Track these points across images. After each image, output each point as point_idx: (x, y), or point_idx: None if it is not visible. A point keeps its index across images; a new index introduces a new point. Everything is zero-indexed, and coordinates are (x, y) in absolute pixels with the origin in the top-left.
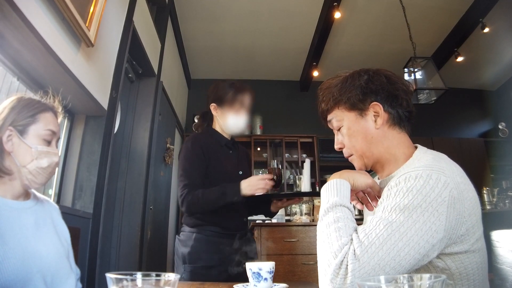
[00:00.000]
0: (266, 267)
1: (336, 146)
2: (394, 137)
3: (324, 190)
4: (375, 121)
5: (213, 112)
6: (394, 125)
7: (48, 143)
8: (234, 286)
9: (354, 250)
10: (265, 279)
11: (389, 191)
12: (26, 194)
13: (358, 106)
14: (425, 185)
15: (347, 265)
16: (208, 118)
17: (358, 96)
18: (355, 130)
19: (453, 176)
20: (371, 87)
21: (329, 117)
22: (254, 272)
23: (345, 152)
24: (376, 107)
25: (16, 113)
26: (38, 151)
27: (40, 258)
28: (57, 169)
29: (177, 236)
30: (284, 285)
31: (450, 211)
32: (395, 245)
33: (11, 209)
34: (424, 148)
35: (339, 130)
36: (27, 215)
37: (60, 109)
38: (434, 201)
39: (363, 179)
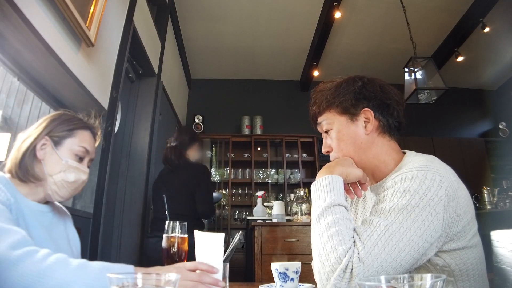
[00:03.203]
0: (293, 267)
1: (324, 150)
2: (384, 144)
3: (317, 187)
4: (365, 127)
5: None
6: (384, 133)
7: (80, 159)
8: (259, 286)
9: (358, 254)
10: (292, 279)
11: (386, 191)
12: (45, 200)
13: (350, 110)
14: (421, 185)
15: (352, 269)
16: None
17: (351, 101)
18: (345, 133)
19: (447, 175)
20: (364, 93)
21: (319, 119)
22: (280, 273)
23: (332, 156)
24: (367, 113)
25: (55, 125)
26: (68, 164)
27: None
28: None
29: None
30: (310, 285)
31: (447, 210)
32: (396, 246)
33: (31, 209)
34: (414, 152)
35: (327, 133)
36: (44, 218)
37: (99, 132)
38: (431, 200)
39: (354, 173)
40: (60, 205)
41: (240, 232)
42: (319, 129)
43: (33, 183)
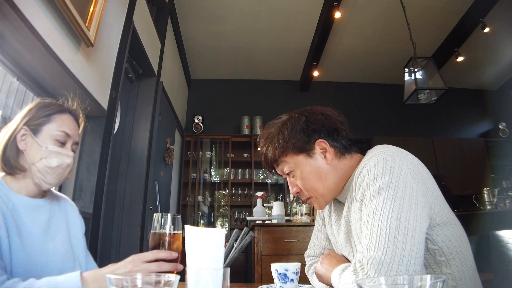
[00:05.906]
0: (293, 267)
1: (293, 190)
2: (347, 164)
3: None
4: (325, 157)
5: None
6: (343, 155)
7: (62, 144)
8: (259, 287)
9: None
10: (291, 280)
11: (360, 185)
12: (42, 194)
13: (306, 148)
14: (386, 166)
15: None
16: None
17: (303, 139)
18: (308, 171)
19: (404, 155)
20: (312, 127)
21: (278, 166)
22: (280, 273)
23: (303, 196)
24: (322, 144)
25: (32, 113)
26: (49, 150)
27: (47, 257)
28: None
29: None
30: (310, 286)
31: (416, 180)
32: (399, 234)
33: (24, 205)
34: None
35: (288, 174)
36: (40, 213)
37: (81, 114)
38: (399, 174)
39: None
40: (63, 196)
41: (246, 227)
42: (279, 172)
43: (21, 176)
